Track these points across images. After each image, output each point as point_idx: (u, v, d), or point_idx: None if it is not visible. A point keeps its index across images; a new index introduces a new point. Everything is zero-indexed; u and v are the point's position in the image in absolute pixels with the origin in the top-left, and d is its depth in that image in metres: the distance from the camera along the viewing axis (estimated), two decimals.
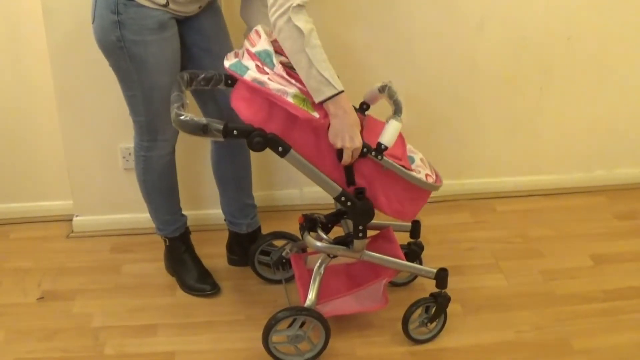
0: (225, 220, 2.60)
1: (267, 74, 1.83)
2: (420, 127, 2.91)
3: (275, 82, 1.82)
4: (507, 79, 2.87)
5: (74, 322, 2.36)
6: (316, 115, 1.84)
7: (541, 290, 2.51)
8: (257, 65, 1.85)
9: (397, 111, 2.00)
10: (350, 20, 2.66)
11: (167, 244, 2.51)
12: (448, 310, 2.26)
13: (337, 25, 2.64)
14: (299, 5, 1.75)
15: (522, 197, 3.11)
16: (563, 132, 3.04)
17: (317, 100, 1.83)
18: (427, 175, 2.06)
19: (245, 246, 2.52)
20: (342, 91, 1.83)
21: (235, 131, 1.81)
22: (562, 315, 2.38)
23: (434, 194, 3.00)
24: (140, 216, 2.54)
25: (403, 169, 1.99)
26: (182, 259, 2.50)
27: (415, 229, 2.37)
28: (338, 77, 1.83)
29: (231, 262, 2.63)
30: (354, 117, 1.88)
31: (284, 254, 2.40)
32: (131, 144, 2.30)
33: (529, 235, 2.84)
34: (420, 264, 2.43)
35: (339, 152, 1.91)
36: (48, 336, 2.30)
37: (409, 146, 2.13)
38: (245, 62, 1.86)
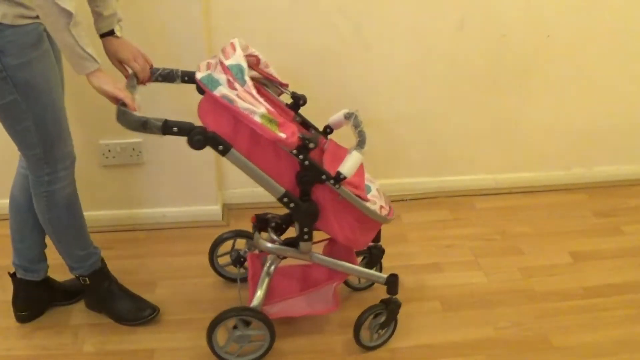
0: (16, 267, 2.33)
1: (237, 90, 1.79)
2: (400, 125, 2.92)
3: (244, 101, 1.78)
4: (486, 77, 2.88)
5: (53, 320, 2.34)
6: (282, 135, 1.79)
7: (520, 287, 2.52)
8: (228, 80, 1.81)
9: (360, 142, 1.98)
10: (328, 19, 2.65)
11: (88, 282, 2.30)
12: (428, 307, 2.27)
13: (313, 22, 2.64)
14: None
15: (501, 195, 3.13)
16: (542, 129, 3.06)
17: (80, 73, 1.81)
18: (381, 207, 2.05)
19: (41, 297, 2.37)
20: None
21: (175, 128, 1.77)
22: (541, 312, 2.39)
23: (414, 190, 3.04)
24: (120, 213, 2.53)
25: (359, 200, 1.98)
26: (110, 291, 2.33)
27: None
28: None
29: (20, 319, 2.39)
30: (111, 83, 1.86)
31: (242, 252, 2.36)
32: (111, 140, 2.28)
33: (508, 232, 2.86)
34: (381, 268, 2.43)
35: (299, 173, 1.90)
36: (27, 334, 2.28)
37: (367, 175, 2.12)
38: (216, 76, 1.83)
